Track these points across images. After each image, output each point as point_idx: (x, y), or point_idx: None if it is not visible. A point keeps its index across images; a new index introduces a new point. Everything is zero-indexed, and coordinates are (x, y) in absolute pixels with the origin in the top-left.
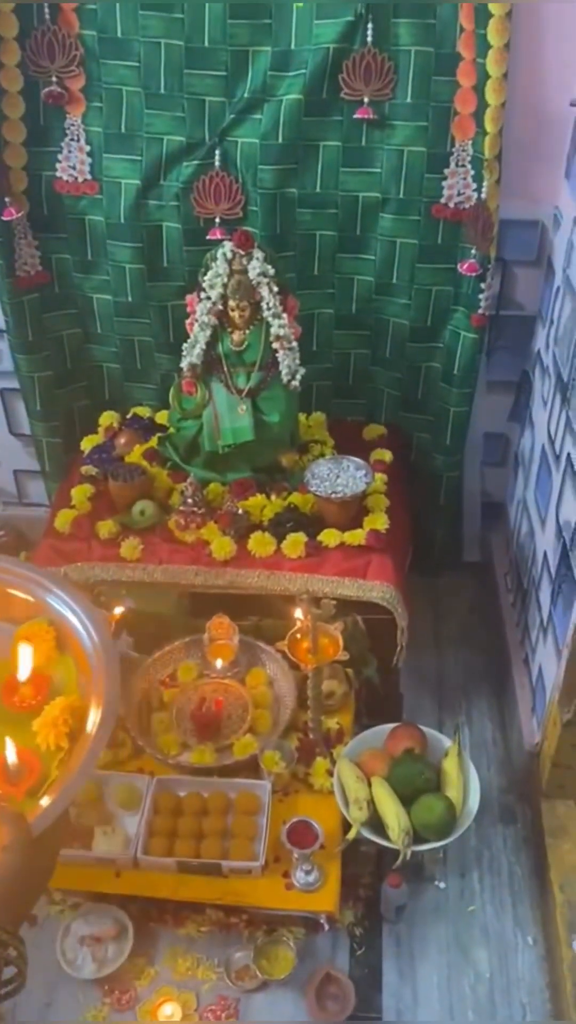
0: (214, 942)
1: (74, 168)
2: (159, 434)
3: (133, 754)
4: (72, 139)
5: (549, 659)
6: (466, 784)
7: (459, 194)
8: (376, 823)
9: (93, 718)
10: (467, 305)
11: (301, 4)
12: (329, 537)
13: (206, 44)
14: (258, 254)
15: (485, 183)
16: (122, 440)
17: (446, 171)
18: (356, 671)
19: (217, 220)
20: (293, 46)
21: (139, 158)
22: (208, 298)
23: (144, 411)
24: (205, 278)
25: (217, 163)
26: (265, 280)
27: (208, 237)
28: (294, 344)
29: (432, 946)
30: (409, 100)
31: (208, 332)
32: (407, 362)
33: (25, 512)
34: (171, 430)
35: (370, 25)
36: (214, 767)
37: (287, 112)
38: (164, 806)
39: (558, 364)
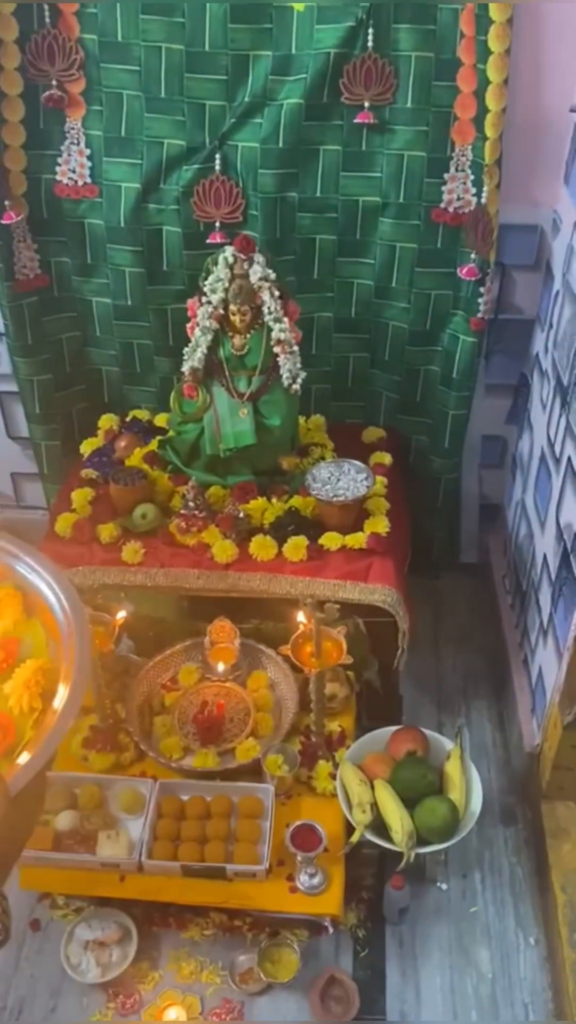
0: (218, 945)
1: (74, 172)
2: (159, 437)
3: (136, 758)
4: (72, 143)
5: (549, 661)
6: (468, 786)
7: (459, 199)
8: (379, 826)
9: (65, 678)
10: (466, 309)
11: (302, 8)
12: (330, 540)
13: (207, 48)
14: (259, 258)
15: (485, 188)
16: (122, 443)
17: (446, 176)
18: (357, 674)
19: (217, 224)
20: (294, 50)
21: (139, 162)
22: (209, 302)
23: (143, 414)
24: (206, 282)
25: (217, 167)
26: (266, 284)
27: (208, 241)
28: (295, 348)
29: (435, 947)
30: (409, 105)
31: (209, 336)
32: (406, 365)
33: (22, 515)
34: (171, 433)
35: (371, 30)
36: (217, 771)
37: (287, 116)
38: (168, 810)
39: (557, 368)
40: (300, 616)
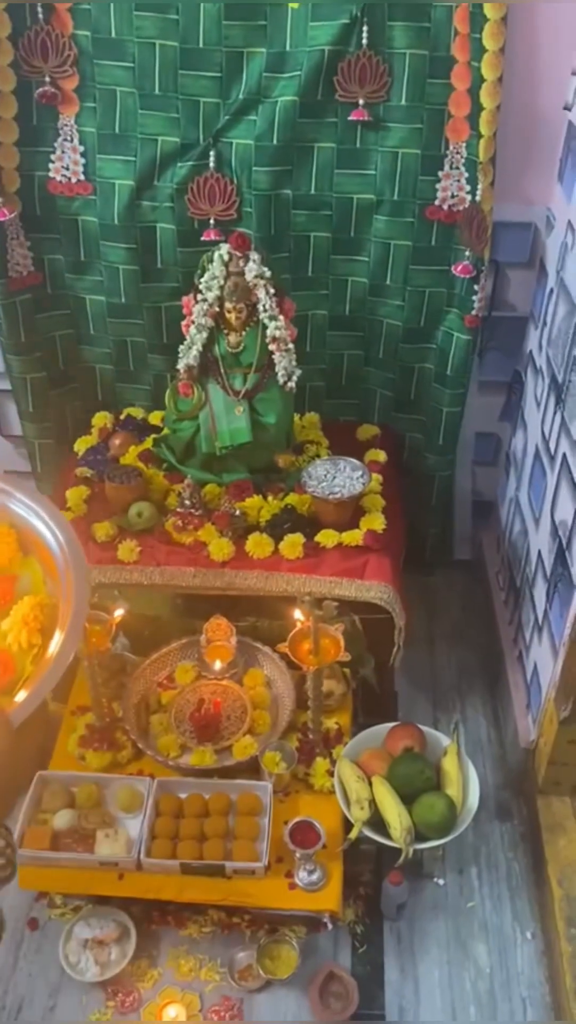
0: (217, 943)
1: (67, 169)
2: (154, 435)
3: (133, 756)
4: (65, 139)
5: (544, 657)
6: (465, 782)
7: (453, 196)
8: (377, 822)
9: (64, 613)
10: (460, 307)
11: (296, 5)
12: (326, 538)
13: (201, 45)
14: (255, 256)
15: (479, 185)
16: (117, 441)
17: (440, 173)
18: (353, 671)
19: (211, 221)
20: (288, 48)
21: (133, 159)
22: (204, 300)
23: (137, 412)
24: (202, 280)
25: (211, 164)
26: (262, 282)
27: (202, 238)
28: (290, 346)
29: (432, 942)
30: (404, 103)
31: (205, 334)
32: (400, 363)
33: None
34: (166, 431)
35: (365, 27)
36: (214, 768)
37: (282, 114)
38: (166, 808)
39: (552, 365)
40: (297, 613)
